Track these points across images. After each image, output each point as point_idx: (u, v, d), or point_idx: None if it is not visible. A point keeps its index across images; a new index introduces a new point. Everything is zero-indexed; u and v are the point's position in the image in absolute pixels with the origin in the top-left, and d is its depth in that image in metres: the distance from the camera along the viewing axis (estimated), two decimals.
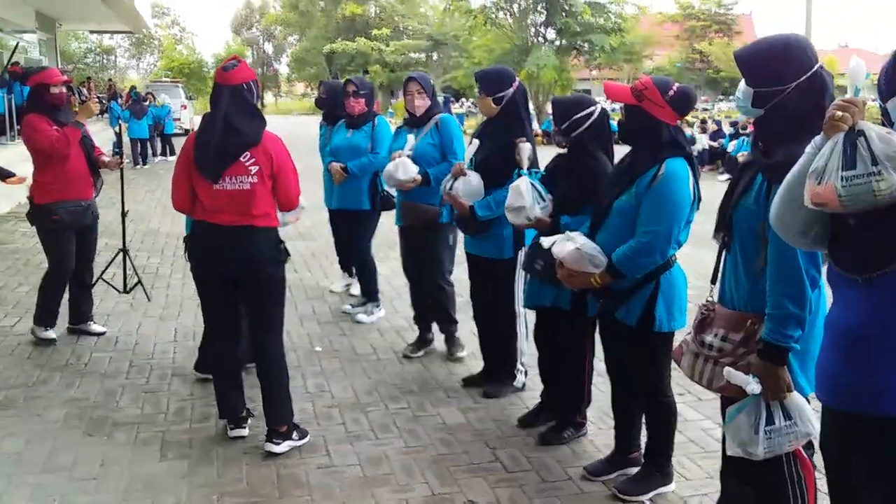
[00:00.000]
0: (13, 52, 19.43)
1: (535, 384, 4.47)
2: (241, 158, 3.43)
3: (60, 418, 3.94)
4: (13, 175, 5.64)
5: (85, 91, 23.37)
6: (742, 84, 2.36)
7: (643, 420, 3.33)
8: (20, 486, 3.27)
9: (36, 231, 5.08)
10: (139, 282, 6.17)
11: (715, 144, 18.79)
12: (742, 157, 16.91)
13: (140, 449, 3.63)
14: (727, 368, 2.30)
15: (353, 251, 5.92)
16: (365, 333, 5.44)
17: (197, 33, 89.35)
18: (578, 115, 3.46)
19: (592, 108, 3.49)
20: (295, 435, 3.65)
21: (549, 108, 4.07)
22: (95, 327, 5.35)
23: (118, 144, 17.20)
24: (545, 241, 3.19)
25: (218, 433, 3.80)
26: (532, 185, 3.59)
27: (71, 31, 43.77)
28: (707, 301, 2.53)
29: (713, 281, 2.56)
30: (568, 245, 3.05)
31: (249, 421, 3.80)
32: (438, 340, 5.06)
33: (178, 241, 7.73)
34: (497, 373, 4.38)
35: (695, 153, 15.81)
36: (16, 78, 15.93)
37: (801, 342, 2.23)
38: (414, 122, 4.71)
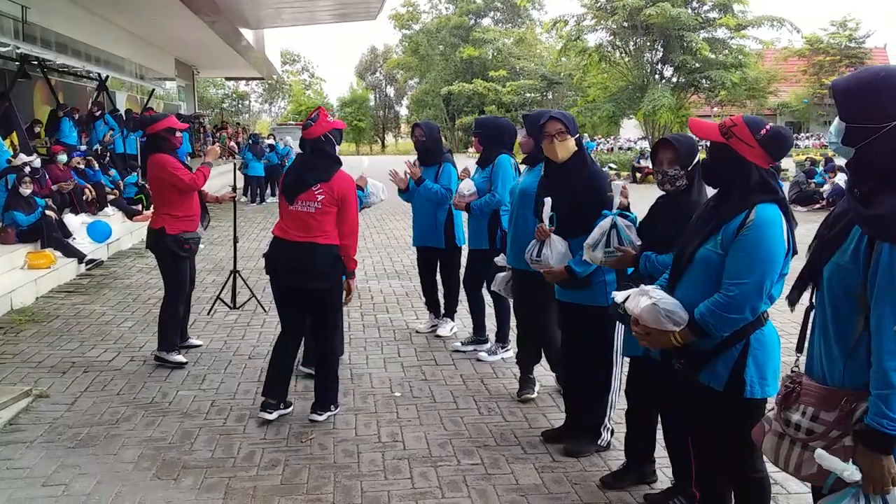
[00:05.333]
0: (149, 98, 20.98)
1: (621, 443, 4.13)
2: (313, 188, 4.23)
3: (134, 459, 3.96)
4: (139, 213, 6.37)
5: (225, 134, 25.41)
6: (836, 118, 2.04)
7: (732, 498, 2.92)
8: None
9: (160, 260, 5.50)
10: (253, 296, 7.11)
11: None
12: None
13: (203, 495, 3.56)
14: (819, 451, 1.93)
15: (470, 288, 5.90)
16: (448, 379, 5.24)
17: (325, 79, 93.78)
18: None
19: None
20: (332, 407, 4.52)
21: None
22: (194, 341, 6.02)
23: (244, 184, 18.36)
24: (619, 296, 2.88)
25: (283, 482, 3.70)
26: (615, 227, 3.35)
27: (209, 78, 46.89)
28: (793, 372, 2.16)
29: (799, 349, 2.20)
30: (643, 300, 2.72)
31: (276, 415, 4.41)
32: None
33: None
34: (580, 428, 4.07)
35: (826, 194, 14.75)
36: (135, 123, 17.13)
37: None
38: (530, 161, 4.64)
